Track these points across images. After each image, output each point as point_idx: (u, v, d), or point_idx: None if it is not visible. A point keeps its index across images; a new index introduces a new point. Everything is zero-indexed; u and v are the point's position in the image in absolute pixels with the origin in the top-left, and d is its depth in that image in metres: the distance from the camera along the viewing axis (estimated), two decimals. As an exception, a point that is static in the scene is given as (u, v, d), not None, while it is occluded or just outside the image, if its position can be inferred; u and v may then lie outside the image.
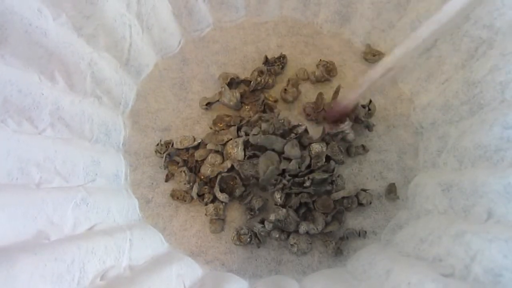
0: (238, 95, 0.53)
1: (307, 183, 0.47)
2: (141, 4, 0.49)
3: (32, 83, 0.37)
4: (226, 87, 0.53)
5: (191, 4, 0.54)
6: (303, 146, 0.50)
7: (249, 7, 0.57)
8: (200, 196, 0.49)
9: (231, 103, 0.53)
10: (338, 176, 0.49)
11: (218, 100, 0.54)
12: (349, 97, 0.48)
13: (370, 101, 0.52)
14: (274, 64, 0.56)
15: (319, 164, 0.48)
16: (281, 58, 0.56)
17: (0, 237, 0.28)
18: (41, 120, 0.37)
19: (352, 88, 0.48)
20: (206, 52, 0.58)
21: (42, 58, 0.39)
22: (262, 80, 0.54)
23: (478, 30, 0.42)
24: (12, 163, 0.32)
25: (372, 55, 0.54)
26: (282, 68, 0.57)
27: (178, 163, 0.51)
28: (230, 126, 0.52)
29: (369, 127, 0.52)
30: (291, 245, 0.47)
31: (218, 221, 0.49)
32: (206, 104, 0.54)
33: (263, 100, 0.53)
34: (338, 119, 0.50)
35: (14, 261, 0.27)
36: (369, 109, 0.52)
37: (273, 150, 0.49)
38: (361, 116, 0.52)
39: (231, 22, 0.58)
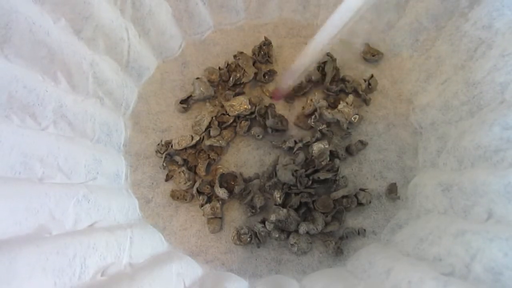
0: (207, 82, 0.54)
1: (309, 183, 0.47)
2: (136, 9, 0.49)
3: (37, 80, 0.37)
4: (195, 80, 0.53)
5: (191, 8, 0.55)
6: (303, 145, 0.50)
7: (248, 9, 0.58)
8: (200, 192, 0.49)
9: (205, 94, 0.54)
10: (342, 177, 0.49)
11: (190, 96, 0.54)
12: (285, 81, 0.52)
13: (372, 75, 0.53)
14: (259, 55, 0.56)
15: (323, 163, 0.48)
16: (263, 46, 0.56)
17: (2, 230, 0.28)
18: (44, 117, 0.38)
19: (287, 72, 0.52)
20: (207, 55, 0.58)
21: (45, 58, 0.39)
22: (238, 75, 0.54)
23: (477, 30, 0.42)
24: (16, 157, 0.33)
25: (371, 55, 0.54)
26: (269, 56, 0.56)
27: (177, 162, 0.51)
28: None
29: (366, 101, 0.53)
30: (291, 244, 0.47)
31: (216, 219, 0.49)
32: (180, 103, 0.54)
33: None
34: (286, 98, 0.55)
35: (16, 253, 0.27)
36: (370, 84, 0.52)
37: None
38: (360, 89, 0.52)
39: (231, 25, 0.59)
